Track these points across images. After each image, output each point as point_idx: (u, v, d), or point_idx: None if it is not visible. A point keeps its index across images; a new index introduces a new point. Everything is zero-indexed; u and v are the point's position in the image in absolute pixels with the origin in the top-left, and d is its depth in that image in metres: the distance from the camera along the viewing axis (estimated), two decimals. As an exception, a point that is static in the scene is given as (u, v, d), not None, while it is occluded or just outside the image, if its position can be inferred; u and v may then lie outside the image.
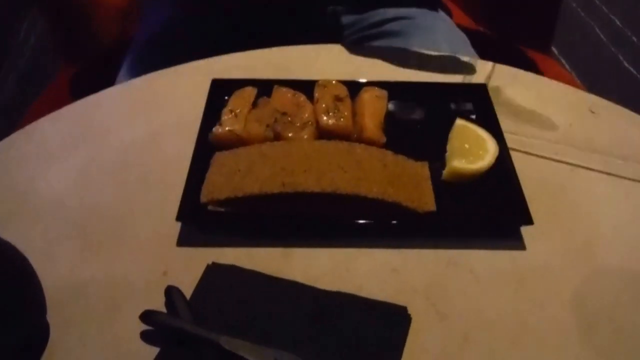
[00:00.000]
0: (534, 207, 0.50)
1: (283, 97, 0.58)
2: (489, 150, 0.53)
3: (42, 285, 0.42)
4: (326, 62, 0.67)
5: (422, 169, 0.53)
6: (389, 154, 0.53)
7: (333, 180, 0.49)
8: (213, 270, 0.47)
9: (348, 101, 0.58)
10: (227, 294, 0.45)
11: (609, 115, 0.62)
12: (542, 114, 0.62)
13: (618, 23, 1.79)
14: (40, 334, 0.43)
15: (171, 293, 0.44)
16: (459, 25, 0.85)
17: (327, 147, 0.53)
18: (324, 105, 0.56)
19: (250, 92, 0.59)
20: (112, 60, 0.80)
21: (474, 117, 0.59)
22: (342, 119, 0.55)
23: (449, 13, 0.88)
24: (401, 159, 0.53)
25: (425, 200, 0.50)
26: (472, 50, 0.78)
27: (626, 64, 1.66)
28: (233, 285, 0.46)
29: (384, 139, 0.55)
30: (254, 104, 0.58)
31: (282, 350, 0.40)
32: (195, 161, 0.53)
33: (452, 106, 0.60)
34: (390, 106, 0.59)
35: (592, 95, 0.65)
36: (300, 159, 0.51)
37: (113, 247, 0.49)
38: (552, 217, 0.52)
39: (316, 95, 0.58)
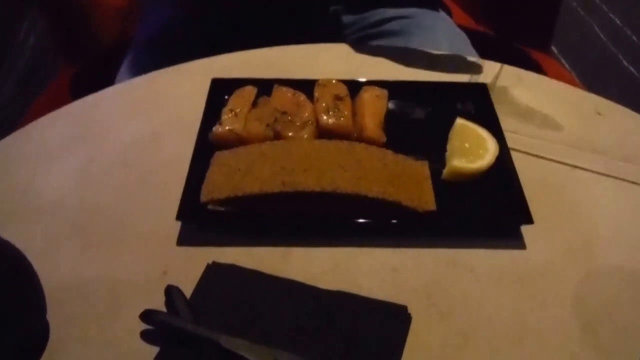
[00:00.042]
0: (534, 206, 0.50)
1: (283, 96, 0.58)
2: (489, 150, 0.53)
3: (42, 285, 0.42)
4: (326, 61, 0.67)
5: (422, 168, 0.53)
6: (389, 153, 0.53)
7: (333, 180, 0.49)
8: (213, 270, 0.47)
9: (348, 100, 0.57)
10: (227, 293, 0.45)
11: (616, 117, 0.62)
12: (547, 115, 0.62)
13: (618, 22, 1.79)
14: (40, 334, 0.43)
15: (171, 292, 0.44)
16: (459, 25, 0.85)
17: (327, 146, 0.53)
18: (324, 105, 0.56)
19: (250, 91, 0.59)
20: (112, 60, 0.80)
21: (474, 116, 0.59)
22: (342, 119, 0.55)
23: (449, 13, 0.88)
24: (401, 158, 0.53)
25: (425, 199, 0.50)
26: (472, 49, 0.78)
27: (626, 64, 1.66)
28: (233, 284, 0.46)
29: (384, 138, 0.55)
30: (254, 104, 0.58)
31: (281, 349, 0.40)
32: (195, 160, 0.53)
33: (452, 105, 0.60)
34: (391, 105, 0.59)
35: (598, 96, 0.64)
36: (300, 158, 0.51)
37: (113, 246, 0.49)
38: (552, 216, 0.52)
39: (316, 94, 0.58)
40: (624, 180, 0.55)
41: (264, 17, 0.79)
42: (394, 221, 0.50)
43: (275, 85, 0.59)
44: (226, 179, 0.50)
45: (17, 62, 1.56)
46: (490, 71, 0.65)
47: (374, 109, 0.57)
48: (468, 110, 0.60)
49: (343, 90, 0.58)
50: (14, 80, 1.51)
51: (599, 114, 0.62)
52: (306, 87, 0.59)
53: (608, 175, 0.56)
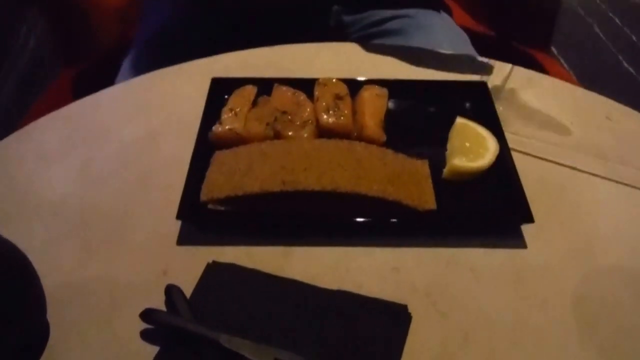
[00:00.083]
0: (535, 206, 0.50)
1: (283, 95, 0.58)
2: (490, 149, 0.53)
3: (42, 285, 0.42)
4: (326, 60, 0.67)
5: (422, 167, 0.53)
6: (389, 153, 0.53)
7: (333, 179, 0.49)
8: (213, 269, 0.47)
9: (348, 99, 0.57)
10: (227, 292, 0.45)
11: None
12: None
13: (618, 22, 1.79)
14: (40, 334, 0.43)
15: (171, 292, 0.44)
16: (459, 25, 0.84)
17: (327, 145, 0.53)
18: (324, 104, 0.56)
19: (250, 90, 0.59)
20: (112, 60, 0.80)
21: (474, 115, 0.59)
22: (342, 118, 0.55)
23: (449, 12, 0.88)
24: (401, 157, 0.53)
25: (425, 198, 0.50)
26: (472, 49, 0.78)
27: (625, 64, 1.66)
28: (233, 283, 0.46)
29: (384, 138, 0.55)
30: (254, 103, 0.58)
31: (282, 348, 0.40)
32: (195, 160, 0.53)
33: (453, 104, 0.60)
34: (391, 104, 0.59)
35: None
36: (300, 157, 0.51)
37: (113, 246, 0.49)
38: (553, 216, 0.52)
39: (316, 93, 0.58)
40: (627, 185, 0.55)
41: (264, 17, 0.79)
42: (394, 220, 0.50)
43: (275, 85, 0.59)
44: (226, 178, 0.50)
45: (17, 63, 1.56)
46: (500, 72, 0.65)
47: (374, 108, 0.57)
48: (468, 109, 0.60)
49: (343, 90, 0.58)
50: (14, 81, 1.51)
51: (609, 119, 0.61)
52: (306, 86, 0.59)
53: (610, 180, 0.55)
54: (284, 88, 0.59)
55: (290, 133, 0.55)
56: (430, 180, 0.51)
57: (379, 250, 0.49)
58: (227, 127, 0.54)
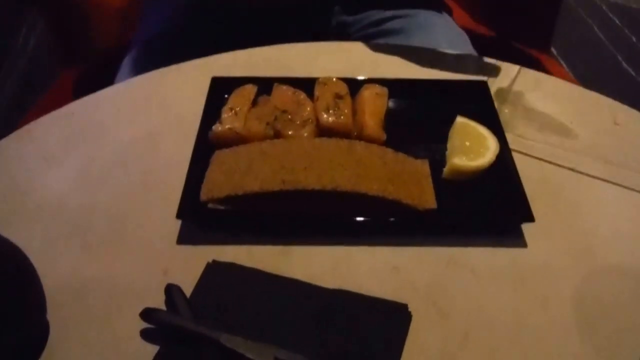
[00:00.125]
0: (535, 206, 0.49)
1: (283, 95, 0.58)
2: (490, 148, 0.53)
3: (42, 285, 0.42)
4: (326, 59, 0.67)
5: (422, 166, 0.53)
6: (389, 152, 0.53)
7: (333, 178, 0.49)
8: (213, 268, 0.47)
9: (348, 99, 0.57)
10: (227, 291, 0.45)
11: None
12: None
13: (618, 23, 1.79)
14: (40, 333, 0.43)
15: (171, 291, 0.44)
16: (459, 25, 0.84)
17: (327, 144, 0.53)
18: (324, 103, 0.56)
19: (250, 90, 0.59)
20: (112, 60, 0.80)
21: (474, 114, 0.59)
22: (342, 117, 0.55)
23: (449, 12, 0.88)
24: (401, 156, 0.53)
25: (425, 197, 0.50)
26: (472, 49, 0.78)
27: (625, 65, 1.66)
28: (233, 283, 0.46)
29: (384, 137, 0.55)
30: (254, 102, 0.58)
31: (282, 347, 0.40)
32: (195, 159, 0.53)
33: (453, 103, 0.60)
34: (391, 104, 0.59)
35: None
36: (300, 156, 0.51)
37: (113, 246, 0.49)
38: (553, 215, 0.51)
39: (316, 93, 0.58)
40: (630, 189, 0.55)
41: (265, 17, 0.79)
42: (394, 219, 0.49)
43: (275, 84, 0.59)
44: (226, 177, 0.50)
45: (18, 63, 1.56)
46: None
47: (374, 107, 0.57)
48: (469, 108, 0.60)
49: (343, 89, 0.58)
50: (15, 81, 1.51)
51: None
52: (306, 85, 0.59)
53: (617, 184, 0.55)
54: (284, 87, 0.59)
55: (290, 132, 0.55)
56: (430, 180, 0.51)
57: (379, 250, 0.49)
58: (227, 127, 0.54)
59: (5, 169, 0.56)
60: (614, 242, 0.50)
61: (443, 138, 0.56)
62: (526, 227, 0.50)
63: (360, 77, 0.61)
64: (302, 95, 0.58)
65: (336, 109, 0.55)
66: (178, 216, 0.49)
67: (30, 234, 0.49)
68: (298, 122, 0.55)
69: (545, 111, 0.62)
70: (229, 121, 0.55)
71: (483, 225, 0.51)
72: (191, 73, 0.65)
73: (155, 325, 0.43)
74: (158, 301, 0.44)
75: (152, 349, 0.42)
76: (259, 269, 0.46)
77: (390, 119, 0.57)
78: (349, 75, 0.60)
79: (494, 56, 0.68)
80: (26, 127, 0.60)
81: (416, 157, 0.53)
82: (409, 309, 0.44)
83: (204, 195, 0.49)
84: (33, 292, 0.41)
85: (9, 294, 0.38)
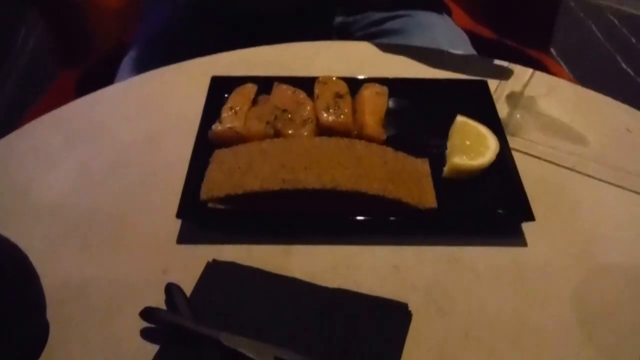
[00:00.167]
0: (535, 205, 0.49)
1: (283, 94, 0.58)
2: (490, 147, 0.53)
3: (42, 285, 0.42)
4: (326, 59, 0.67)
5: (422, 165, 0.53)
6: (389, 151, 0.53)
7: (333, 177, 0.49)
8: (213, 268, 0.47)
9: (348, 98, 0.57)
10: (227, 291, 0.45)
11: None
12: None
13: (617, 24, 1.79)
14: (40, 333, 0.43)
15: (171, 290, 0.44)
16: (459, 25, 0.85)
17: (327, 144, 0.52)
18: (324, 102, 0.56)
19: (250, 89, 0.59)
20: (112, 60, 0.80)
21: (475, 113, 0.59)
22: (342, 116, 0.55)
23: (449, 12, 0.88)
24: (402, 155, 0.53)
25: (425, 197, 0.50)
26: (472, 49, 0.79)
27: (624, 65, 1.66)
28: (233, 282, 0.46)
29: (384, 136, 0.55)
30: (254, 101, 0.58)
31: (282, 346, 0.40)
32: (195, 159, 0.53)
33: (453, 103, 0.60)
34: (391, 103, 0.59)
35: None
36: (300, 155, 0.51)
37: (113, 246, 0.49)
38: (554, 215, 0.51)
39: (316, 92, 0.58)
40: (632, 191, 0.54)
41: (265, 17, 0.79)
42: (395, 219, 0.49)
43: (275, 83, 0.59)
44: (226, 176, 0.50)
45: (17, 63, 1.56)
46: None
47: (374, 106, 0.57)
48: (469, 107, 0.60)
49: (343, 88, 0.58)
50: (14, 81, 1.51)
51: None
52: (306, 84, 0.58)
53: (614, 185, 0.55)
54: (284, 86, 0.59)
55: (290, 131, 0.54)
56: (430, 179, 0.51)
57: (379, 249, 0.49)
58: (227, 126, 0.54)
59: (5, 169, 0.56)
60: (614, 242, 0.50)
61: (443, 137, 0.56)
62: (526, 227, 0.50)
63: (360, 76, 0.61)
64: (302, 95, 0.58)
65: (336, 108, 0.55)
66: (178, 215, 0.49)
67: (30, 234, 0.49)
68: (298, 122, 0.55)
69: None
70: (228, 120, 0.55)
71: (483, 225, 0.51)
72: (191, 72, 0.65)
73: (156, 325, 0.42)
74: (158, 300, 0.44)
75: (152, 349, 0.42)
76: (259, 268, 0.46)
77: (390, 118, 0.57)
78: (349, 74, 0.60)
79: (494, 56, 0.68)
80: (26, 127, 0.60)
81: (416, 156, 0.53)
82: (409, 308, 0.44)
83: (204, 194, 0.49)
84: (33, 292, 0.41)
85: (8, 293, 0.38)
